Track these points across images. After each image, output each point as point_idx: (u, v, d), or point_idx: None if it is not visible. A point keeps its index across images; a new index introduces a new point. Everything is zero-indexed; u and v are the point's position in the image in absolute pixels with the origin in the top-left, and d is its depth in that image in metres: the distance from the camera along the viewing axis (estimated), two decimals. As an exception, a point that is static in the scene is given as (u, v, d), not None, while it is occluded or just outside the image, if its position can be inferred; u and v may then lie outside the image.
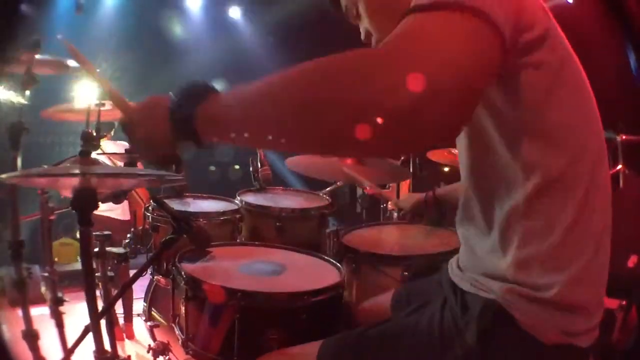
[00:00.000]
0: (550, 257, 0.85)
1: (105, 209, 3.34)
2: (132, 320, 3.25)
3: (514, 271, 0.87)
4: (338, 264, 1.49)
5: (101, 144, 2.67)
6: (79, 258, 4.62)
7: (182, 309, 1.35)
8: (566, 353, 0.88)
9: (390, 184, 4.05)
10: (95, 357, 1.30)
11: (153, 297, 2.27)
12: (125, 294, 2.26)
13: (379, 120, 0.61)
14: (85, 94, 2.26)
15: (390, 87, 0.61)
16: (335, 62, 0.66)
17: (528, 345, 0.86)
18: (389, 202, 2.28)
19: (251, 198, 2.16)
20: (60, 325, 1.87)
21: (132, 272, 1.31)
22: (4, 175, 1.11)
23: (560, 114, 0.83)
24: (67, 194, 1.14)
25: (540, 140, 0.84)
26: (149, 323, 2.17)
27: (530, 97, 0.81)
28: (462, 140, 0.97)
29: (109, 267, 1.97)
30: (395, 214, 3.10)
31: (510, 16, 0.73)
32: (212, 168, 6.15)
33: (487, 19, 0.69)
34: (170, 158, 0.84)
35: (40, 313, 1.92)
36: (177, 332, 1.41)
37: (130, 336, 3.23)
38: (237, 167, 5.93)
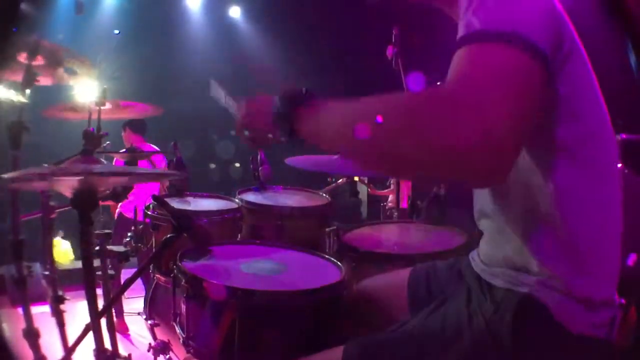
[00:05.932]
0: (573, 248, 0.89)
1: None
2: (122, 315, 3.27)
3: (541, 263, 0.90)
4: (339, 263, 1.49)
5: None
6: (70, 257, 4.61)
7: (183, 307, 1.36)
8: (591, 343, 0.90)
9: (391, 183, 4.04)
10: (95, 355, 1.30)
11: (153, 296, 2.27)
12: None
13: (443, 156, 0.70)
14: (85, 93, 2.26)
15: (445, 131, 0.69)
16: (412, 101, 0.79)
17: (558, 335, 0.89)
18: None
19: (251, 197, 2.16)
20: (61, 324, 1.87)
21: (132, 271, 1.31)
22: (4, 176, 1.11)
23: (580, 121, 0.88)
24: (68, 193, 1.14)
25: (562, 144, 0.88)
26: (149, 322, 2.17)
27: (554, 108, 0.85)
28: None
29: (110, 266, 1.97)
30: (396, 213, 3.09)
31: (551, 37, 0.78)
32: (213, 166, 6.16)
33: (535, 50, 0.73)
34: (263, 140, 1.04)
35: (41, 311, 1.93)
36: (177, 330, 1.41)
37: (123, 330, 3.25)
38: (237, 165, 5.93)
